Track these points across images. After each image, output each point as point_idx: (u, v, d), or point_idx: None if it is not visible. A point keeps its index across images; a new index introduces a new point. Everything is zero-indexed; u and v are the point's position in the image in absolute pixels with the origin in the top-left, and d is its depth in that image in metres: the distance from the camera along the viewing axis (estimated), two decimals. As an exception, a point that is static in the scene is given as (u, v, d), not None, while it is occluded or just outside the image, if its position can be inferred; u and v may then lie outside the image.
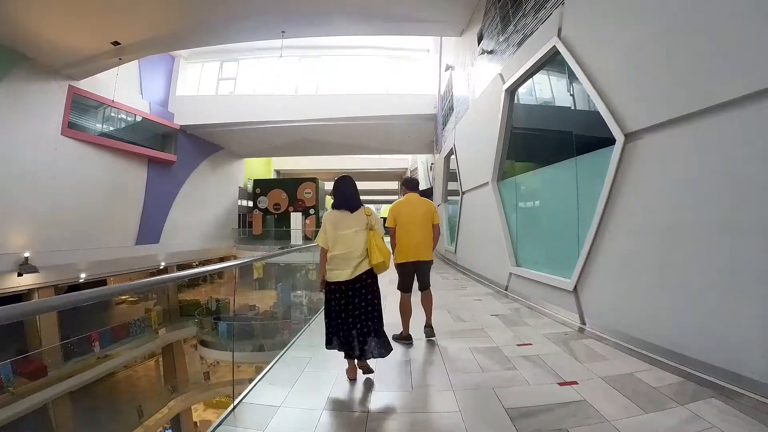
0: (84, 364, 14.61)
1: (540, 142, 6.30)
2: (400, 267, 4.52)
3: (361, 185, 3.72)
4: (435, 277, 9.17)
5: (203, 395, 18.43)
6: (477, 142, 8.91)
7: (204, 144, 22.06)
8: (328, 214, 3.60)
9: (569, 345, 4.16)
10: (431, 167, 25.01)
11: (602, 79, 4.24)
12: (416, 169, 31.33)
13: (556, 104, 5.79)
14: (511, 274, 6.71)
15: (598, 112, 4.20)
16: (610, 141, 4.06)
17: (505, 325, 5.06)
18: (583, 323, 4.62)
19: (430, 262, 4.64)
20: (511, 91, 6.82)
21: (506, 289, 6.91)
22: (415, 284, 4.63)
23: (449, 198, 13.61)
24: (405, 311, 4.50)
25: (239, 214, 27.07)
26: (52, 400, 13.02)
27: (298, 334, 5.33)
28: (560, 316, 5.06)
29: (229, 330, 15.01)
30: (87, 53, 13.04)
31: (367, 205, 3.63)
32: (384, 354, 3.52)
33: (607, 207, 4.14)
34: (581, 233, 4.67)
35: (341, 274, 3.42)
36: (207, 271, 3.49)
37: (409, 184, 4.84)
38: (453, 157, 11.39)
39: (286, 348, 4.69)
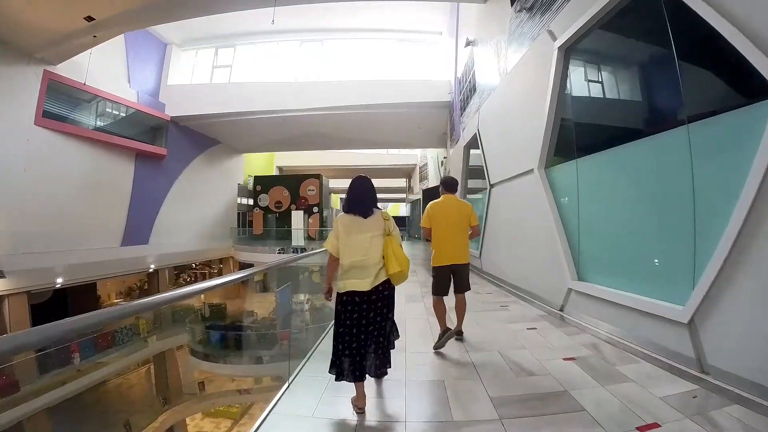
0: (63, 378, 13.33)
1: (617, 111, 4.61)
2: (435, 270, 4.44)
3: (367, 184, 3.21)
4: None
5: (198, 406, 17.17)
6: (512, 122, 7.30)
7: (199, 137, 20.52)
8: (341, 218, 3.27)
9: (714, 422, 2.52)
10: (443, 162, 23.46)
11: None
12: (426, 165, 29.76)
13: (645, 56, 4.17)
14: (570, 291, 5.05)
15: (730, 56, 2.68)
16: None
17: (595, 381, 3.27)
18: (703, 371, 3.02)
19: (467, 265, 4.56)
20: (567, 49, 5.19)
21: (562, 310, 5.25)
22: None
23: (470, 195, 11.99)
24: (439, 311, 4.43)
25: (239, 213, 25.62)
26: (27, 417, 11.76)
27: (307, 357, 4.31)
28: (663, 358, 3.40)
29: (223, 339, 13.48)
30: (60, 31, 11.60)
31: (384, 209, 3.35)
32: (384, 372, 3.27)
33: (762, 194, 2.53)
34: (702, 236, 3.05)
35: (360, 283, 3.08)
36: (233, 280, 3.06)
37: (447, 184, 4.67)
38: (477, 144, 9.75)
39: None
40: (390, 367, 3.31)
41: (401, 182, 38.41)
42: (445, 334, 4.23)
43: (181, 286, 19.14)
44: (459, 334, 4.55)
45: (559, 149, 5.52)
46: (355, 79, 17.56)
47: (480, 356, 4.00)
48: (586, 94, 5.21)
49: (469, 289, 4.55)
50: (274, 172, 32.03)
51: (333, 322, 3.25)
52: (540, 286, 6.02)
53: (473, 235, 4.57)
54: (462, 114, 12.53)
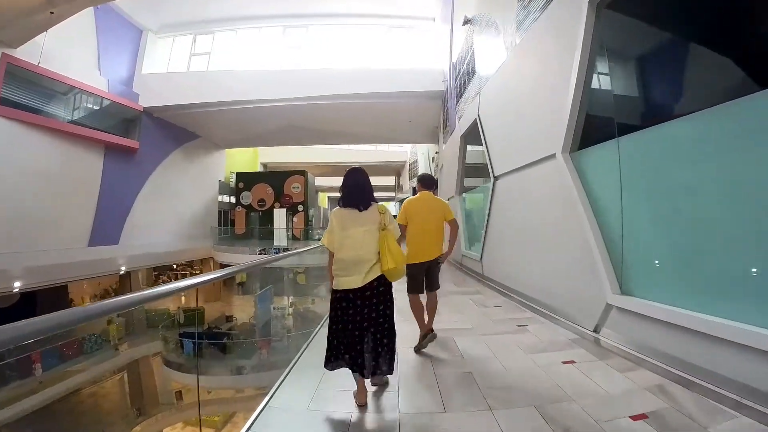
0: (22, 391, 12.16)
1: (674, 72, 3.59)
2: (410, 268, 4.10)
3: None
4: (462, 299, 6.91)
5: (176, 417, 16.05)
6: (523, 101, 6.27)
7: (176, 131, 19.26)
8: (336, 212, 3.19)
9: None
10: (434, 158, 22.51)
11: None
12: (416, 161, 28.85)
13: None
14: (610, 307, 3.98)
15: None
16: None
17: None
18: None
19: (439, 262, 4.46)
20: (600, 4, 4.16)
21: (597, 332, 4.20)
22: None
23: (469, 192, 11.00)
24: (418, 311, 4.32)
25: (220, 211, 24.40)
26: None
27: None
28: (763, 408, 2.41)
29: (199, 348, 12.32)
30: (13, 6, 10.41)
31: (381, 202, 3.25)
32: (387, 372, 3.15)
33: None
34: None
35: (350, 280, 3.02)
36: (209, 280, 2.84)
37: (424, 181, 4.66)
38: (477, 132, 8.72)
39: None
40: (391, 373, 3.19)
41: (390, 180, 37.40)
42: (427, 336, 4.18)
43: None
44: (430, 331, 4.30)
45: (592, 127, 4.51)
46: (342, 68, 16.43)
47: (513, 418, 2.69)
48: (634, 56, 4.20)
49: (439, 287, 4.52)
50: (259, 169, 30.80)
51: (323, 321, 3.36)
52: (566, 299, 4.94)
53: (454, 229, 4.58)
54: (458, 102, 11.52)
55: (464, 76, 10.74)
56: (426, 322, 4.32)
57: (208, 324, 15.12)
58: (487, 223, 8.01)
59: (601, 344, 4.06)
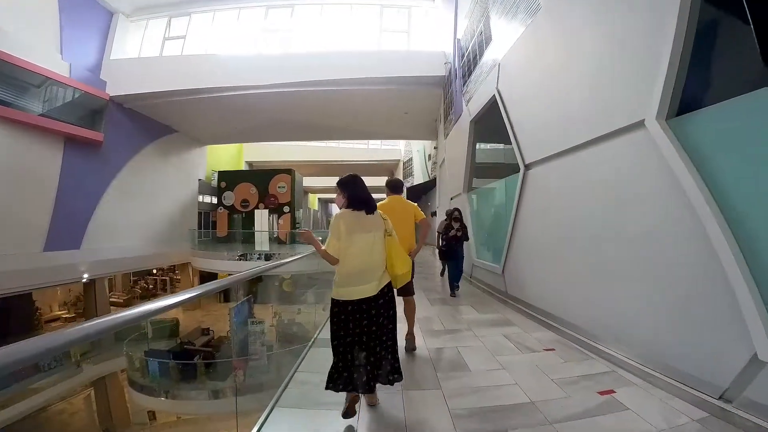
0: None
1: None
2: None
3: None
4: (494, 336, 5.07)
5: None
6: (572, 57, 4.69)
7: (149, 124, 17.43)
8: (343, 215, 2.99)
9: None
10: (430, 156, 20.99)
11: None
12: (410, 160, 27.36)
13: None
14: (762, 366, 2.44)
15: None
16: None
17: None
18: None
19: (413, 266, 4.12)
20: None
21: (726, 399, 2.67)
22: None
23: (483, 183, 9.39)
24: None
25: (200, 212, 22.56)
26: None
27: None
28: None
29: (161, 369, 10.65)
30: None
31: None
32: (392, 382, 3.04)
33: None
34: None
35: (366, 289, 2.88)
36: (214, 289, 2.41)
37: (393, 186, 4.63)
38: (495, 113, 7.13)
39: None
40: (401, 379, 3.09)
41: (383, 180, 35.89)
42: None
43: (136, 295, 16.46)
44: (410, 335, 4.53)
45: (712, 77, 2.95)
46: (330, 51, 14.69)
47: None
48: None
49: (414, 292, 4.54)
50: (244, 168, 29.08)
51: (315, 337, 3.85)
52: (668, 345, 3.26)
53: (426, 229, 4.45)
54: (465, 83, 9.92)
55: (473, 51, 9.14)
56: (408, 326, 4.50)
57: (180, 338, 13.37)
58: (513, 225, 6.39)
59: (736, 422, 2.50)
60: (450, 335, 5.11)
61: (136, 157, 16.97)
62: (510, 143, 6.44)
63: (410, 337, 4.49)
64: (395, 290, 3.49)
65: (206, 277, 20.13)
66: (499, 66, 7.11)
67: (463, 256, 7.90)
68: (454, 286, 7.78)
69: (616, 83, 3.79)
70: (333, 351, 2.93)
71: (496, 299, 7.31)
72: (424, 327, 5.46)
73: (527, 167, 5.92)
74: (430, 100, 14.97)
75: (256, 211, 21.96)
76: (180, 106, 15.90)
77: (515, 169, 6.31)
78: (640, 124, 3.38)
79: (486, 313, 6.43)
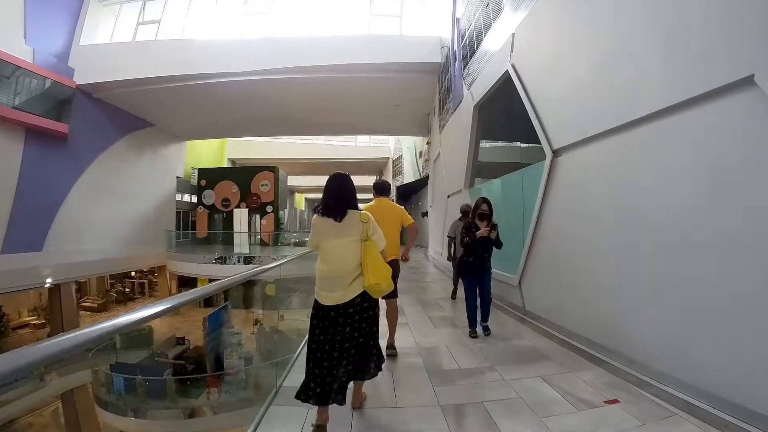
0: None
1: None
2: None
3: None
4: (528, 379, 3.74)
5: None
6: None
7: (121, 116, 16.19)
8: (316, 219, 2.98)
9: None
10: (422, 153, 20.09)
11: None
12: (400, 158, 26.44)
13: None
14: None
15: None
16: None
17: None
18: None
19: (397, 265, 4.22)
20: None
21: None
22: None
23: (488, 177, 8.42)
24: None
25: (178, 212, 21.38)
26: None
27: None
28: None
29: (128, 386, 9.54)
30: None
31: (363, 210, 3.05)
32: (376, 372, 3.06)
33: None
34: None
35: (330, 296, 2.82)
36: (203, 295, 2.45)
37: (380, 188, 4.47)
38: (506, 93, 6.17)
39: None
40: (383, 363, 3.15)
41: (372, 179, 34.97)
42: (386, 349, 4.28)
43: (112, 299, 15.17)
44: (391, 348, 4.39)
45: None
46: (316, 35, 13.56)
47: None
48: None
49: (397, 296, 4.25)
50: (227, 166, 27.87)
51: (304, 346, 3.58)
52: None
53: (413, 234, 4.44)
54: (467, 64, 8.96)
55: (477, 28, 8.18)
56: (389, 334, 4.40)
57: (151, 349, 12.23)
58: (535, 227, 5.43)
59: None
60: (469, 380, 3.79)
61: (107, 152, 15.74)
62: (525, 127, 5.47)
63: (391, 350, 4.37)
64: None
65: (187, 281, 19.04)
66: (513, 36, 6.13)
67: (490, 273, 5.31)
68: (478, 323, 5.27)
69: (708, 29, 2.83)
70: (308, 356, 2.86)
71: (511, 316, 6.14)
72: (430, 364, 4.24)
73: (556, 153, 4.95)
74: (423, 90, 14.03)
75: (235, 210, 20.83)
76: (154, 96, 14.72)
77: (534, 156, 5.34)
78: (747, 81, 2.44)
79: (507, 338, 5.11)
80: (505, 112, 6.51)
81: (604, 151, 4.06)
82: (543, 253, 5.36)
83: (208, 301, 18.84)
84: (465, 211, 6.54)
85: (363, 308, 2.88)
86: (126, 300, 23.43)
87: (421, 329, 5.59)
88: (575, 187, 4.63)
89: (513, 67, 6.01)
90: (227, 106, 16.03)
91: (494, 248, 5.12)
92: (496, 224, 5.05)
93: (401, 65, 12.67)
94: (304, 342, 4.30)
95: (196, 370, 9.78)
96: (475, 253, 5.06)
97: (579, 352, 4.30)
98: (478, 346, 4.77)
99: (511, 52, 6.15)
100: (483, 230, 4.95)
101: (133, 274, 24.09)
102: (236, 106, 16.13)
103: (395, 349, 4.41)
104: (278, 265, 6.90)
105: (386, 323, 4.29)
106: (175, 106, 16.18)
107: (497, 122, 7.53)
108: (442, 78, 12.29)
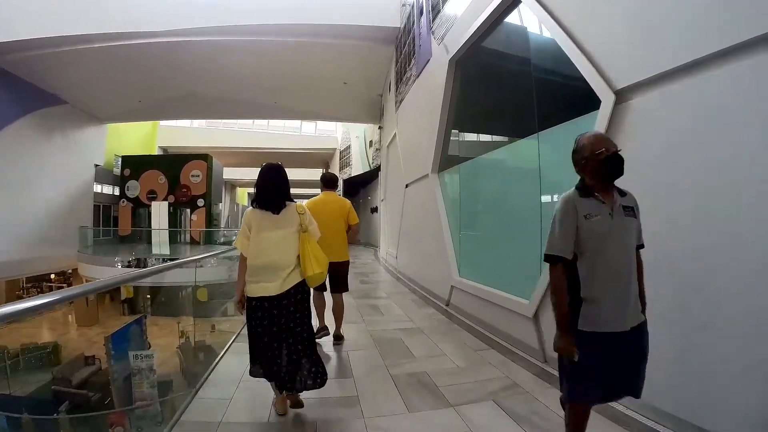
0: None
1: None
2: None
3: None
4: None
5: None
6: None
7: (24, 89, 13.64)
8: (250, 212, 2.96)
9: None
10: (372, 143, 18.56)
11: None
12: (348, 149, 24.93)
13: None
14: None
15: None
16: None
17: None
18: None
19: (347, 263, 4.60)
20: None
21: None
22: None
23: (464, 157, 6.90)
24: (320, 307, 4.56)
25: (97, 206, 18.84)
26: None
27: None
28: None
29: (12, 426, 7.43)
30: None
31: (299, 201, 3.13)
32: (319, 384, 2.92)
33: None
34: None
35: (267, 287, 2.81)
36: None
37: (328, 181, 4.63)
38: (498, 42, 4.68)
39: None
40: (326, 380, 2.96)
41: (318, 173, 33.16)
42: (322, 331, 4.46)
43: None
44: (338, 339, 4.56)
45: None
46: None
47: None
48: None
49: (347, 290, 4.58)
50: (157, 153, 25.28)
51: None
52: None
53: (353, 234, 4.52)
54: (437, 15, 7.40)
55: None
56: (335, 326, 4.60)
57: (53, 372, 9.99)
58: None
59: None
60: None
61: (4, 132, 13.16)
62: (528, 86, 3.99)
63: (338, 341, 4.55)
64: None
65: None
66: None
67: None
68: None
69: None
70: (250, 348, 2.92)
71: (520, 368, 3.84)
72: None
73: (619, 95, 2.84)
74: (377, 66, 12.67)
75: (153, 203, 18.58)
76: (63, 61, 12.25)
77: (548, 119, 3.88)
78: None
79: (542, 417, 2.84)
80: (505, 60, 5.06)
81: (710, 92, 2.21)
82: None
83: (133, 308, 16.55)
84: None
85: (297, 299, 2.90)
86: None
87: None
88: (668, 159, 2.52)
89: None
90: (152, 80, 14.08)
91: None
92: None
93: (357, 29, 11.08)
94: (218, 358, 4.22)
95: (101, 399, 7.77)
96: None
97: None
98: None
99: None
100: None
101: (52, 276, 21.26)
102: (162, 80, 14.19)
103: (342, 338, 4.61)
104: (195, 260, 5.56)
105: (333, 318, 4.59)
106: (93, 78, 13.91)
107: (491, 77, 5.84)
108: (400, 46, 10.75)
